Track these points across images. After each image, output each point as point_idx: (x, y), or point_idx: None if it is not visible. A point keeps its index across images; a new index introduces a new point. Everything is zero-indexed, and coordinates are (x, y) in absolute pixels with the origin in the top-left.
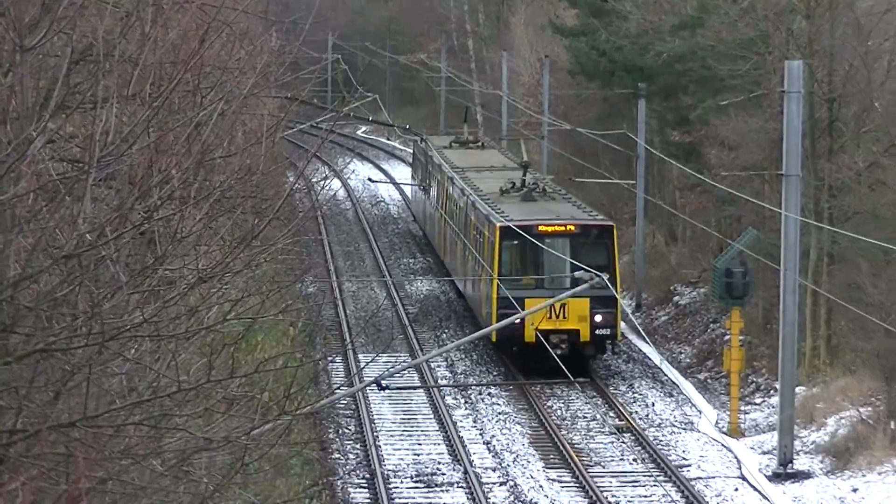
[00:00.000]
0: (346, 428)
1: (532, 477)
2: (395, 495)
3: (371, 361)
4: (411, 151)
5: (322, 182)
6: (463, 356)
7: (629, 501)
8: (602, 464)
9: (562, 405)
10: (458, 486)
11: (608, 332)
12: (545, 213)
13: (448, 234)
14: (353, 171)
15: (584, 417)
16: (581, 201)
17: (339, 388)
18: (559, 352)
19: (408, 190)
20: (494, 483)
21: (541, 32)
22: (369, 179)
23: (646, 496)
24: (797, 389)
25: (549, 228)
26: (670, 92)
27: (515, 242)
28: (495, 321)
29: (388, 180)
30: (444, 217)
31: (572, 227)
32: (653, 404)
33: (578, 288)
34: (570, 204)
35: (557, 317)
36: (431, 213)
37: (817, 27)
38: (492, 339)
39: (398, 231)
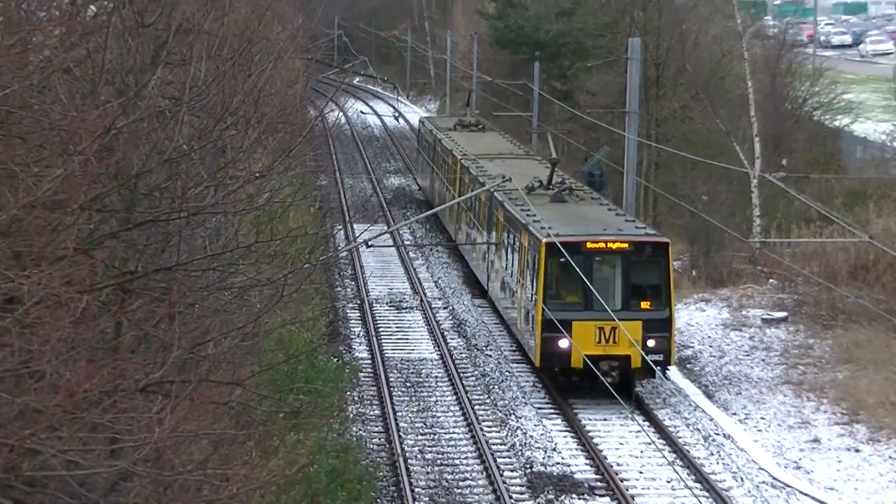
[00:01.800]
0: (345, 272)
1: (463, 304)
2: (376, 314)
3: (363, 232)
4: (417, 130)
5: (330, 113)
6: (420, 226)
7: None
8: None
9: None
10: (416, 309)
11: (661, 358)
12: (587, 222)
13: (464, 221)
14: (351, 106)
15: None
16: (610, 202)
17: (342, 248)
18: (609, 380)
19: (388, 120)
20: (439, 307)
21: (472, 17)
22: (361, 112)
23: None
24: None
25: (600, 245)
26: (555, 57)
27: (563, 260)
28: (540, 345)
29: (373, 112)
30: (458, 200)
31: (625, 245)
32: None
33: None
34: (605, 208)
35: (607, 341)
36: (442, 194)
37: (650, 16)
38: (535, 362)
39: (379, 146)
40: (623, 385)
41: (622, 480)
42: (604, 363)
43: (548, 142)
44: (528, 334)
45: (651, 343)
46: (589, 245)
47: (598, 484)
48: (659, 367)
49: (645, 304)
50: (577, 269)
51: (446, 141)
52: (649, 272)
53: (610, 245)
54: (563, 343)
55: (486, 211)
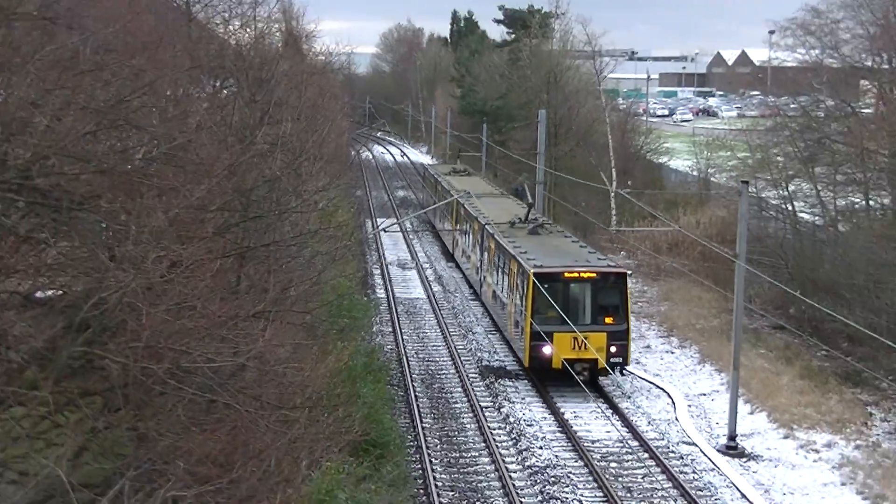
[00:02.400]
0: (371, 246)
1: (441, 266)
2: (390, 271)
3: (384, 223)
4: (423, 173)
5: (363, 153)
6: (416, 220)
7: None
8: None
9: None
10: (413, 268)
11: (621, 361)
12: (561, 254)
13: (460, 241)
14: (374, 149)
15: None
16: (572, 234)
17: (369, 232)
18: (582, 378)
19: (398, 158)
20: (427, 267)
21: (447, 97)
22: (381, 152)
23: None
24: None
25: (574, 274)
26: (495, 120)
27: (546, 286)
28: (528, 351)
29: (388, 152)
30: (454, 226)
31: (594, 274)
32: None
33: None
34: (570, 240)
35: (580, 348)
36: (441, 218)
37: (551, 97)
38: (525, 363)
39: (393, 172)
40: (591, 380)
41: (534, 371)
42: (577, 365)
43: (524, 190)
44: (518, 340)
45: (613, 349)
46: (566, 274)
47: (520, 372)
48: (618, 368)
49: (608, 320)
50: (558, 293)
51: (444, 183)
52: (612, 295)
53: (582, 274)
54: (547, 349)
55: (479, 238)
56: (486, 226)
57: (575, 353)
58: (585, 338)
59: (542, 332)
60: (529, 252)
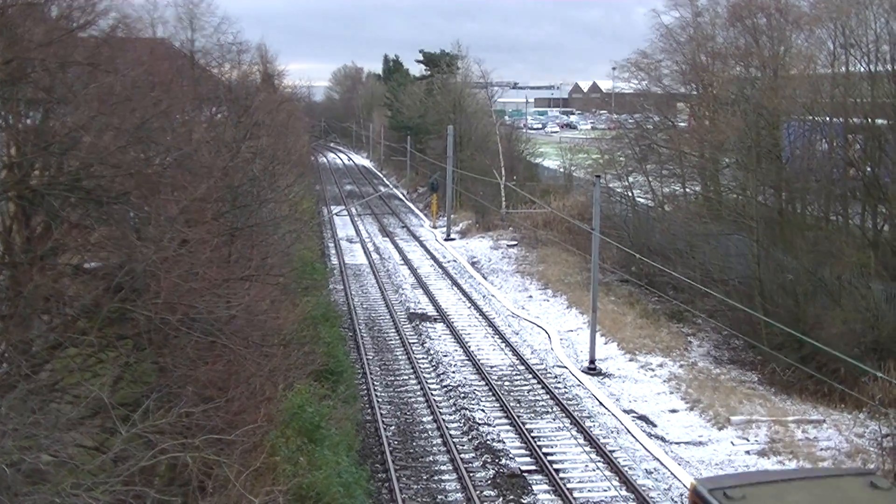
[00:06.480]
0: (327, 226)
1: (380, 241)
2: (341, 244)
3: (336, 209)
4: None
5: (320, 158)
6: (361, 208)
7: (410, 252)
8: (400, 237)
9: (390, 220)
10: (358, 243)
11: None
12: None
13: None
14: (328, 155)
15: (397, 225)
16: None
17: (326, 216)
18: None
19: (346, 161)
20: (369, 242)
21: (382, 116)
22: (334, 157)
23: (408, 244)
24: (452, 216)
25: None
26: (417, 133)
27: None
28: None
29: (338, 157)
30: None
31: None
32: (411, 220)
33: None
34: None
35: None
36: None
37: (457, 117)
38: None
39: (345, 172)
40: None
41: (447, 315)
42: None
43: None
44: None
45: None
46: None
47: (438, 317)
48: None
49: None
50: None
51: None
52: None
53: None
54: None
55: None
56: None
57: None
58: None
59: None
60: None
